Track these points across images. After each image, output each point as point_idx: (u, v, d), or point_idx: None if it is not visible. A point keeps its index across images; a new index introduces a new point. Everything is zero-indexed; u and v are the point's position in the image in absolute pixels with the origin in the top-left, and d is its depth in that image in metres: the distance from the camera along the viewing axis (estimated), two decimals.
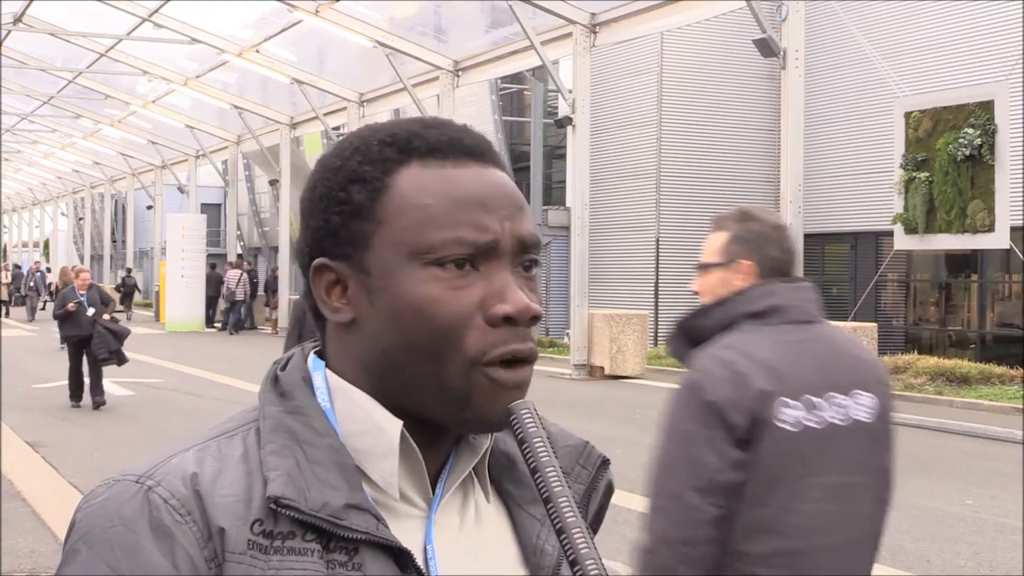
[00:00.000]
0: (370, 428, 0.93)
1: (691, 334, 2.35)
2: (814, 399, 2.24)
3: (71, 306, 13.03)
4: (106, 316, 13.15)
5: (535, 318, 0.93)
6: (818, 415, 2.24)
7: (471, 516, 0.98)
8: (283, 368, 0.98)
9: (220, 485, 0.89)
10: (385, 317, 0.92)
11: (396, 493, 0.93)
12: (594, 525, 1.05)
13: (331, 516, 0.88)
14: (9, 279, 37.18)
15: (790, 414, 2.19)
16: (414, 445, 0.94)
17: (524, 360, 0.93)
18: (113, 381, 15.59)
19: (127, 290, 35.96)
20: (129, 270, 38.79)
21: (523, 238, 0.94)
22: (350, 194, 0.94)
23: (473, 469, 0.98)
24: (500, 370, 0.91)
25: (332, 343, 0.98)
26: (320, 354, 0.99)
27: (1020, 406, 13.04)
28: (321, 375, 0.96)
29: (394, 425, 0.93)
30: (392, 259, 0.92)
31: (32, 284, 34.90)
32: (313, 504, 0.88)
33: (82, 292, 13.24)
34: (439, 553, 0.93)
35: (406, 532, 0.92)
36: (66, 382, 13.37)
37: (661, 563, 2.16)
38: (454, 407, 0.92)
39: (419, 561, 0.91)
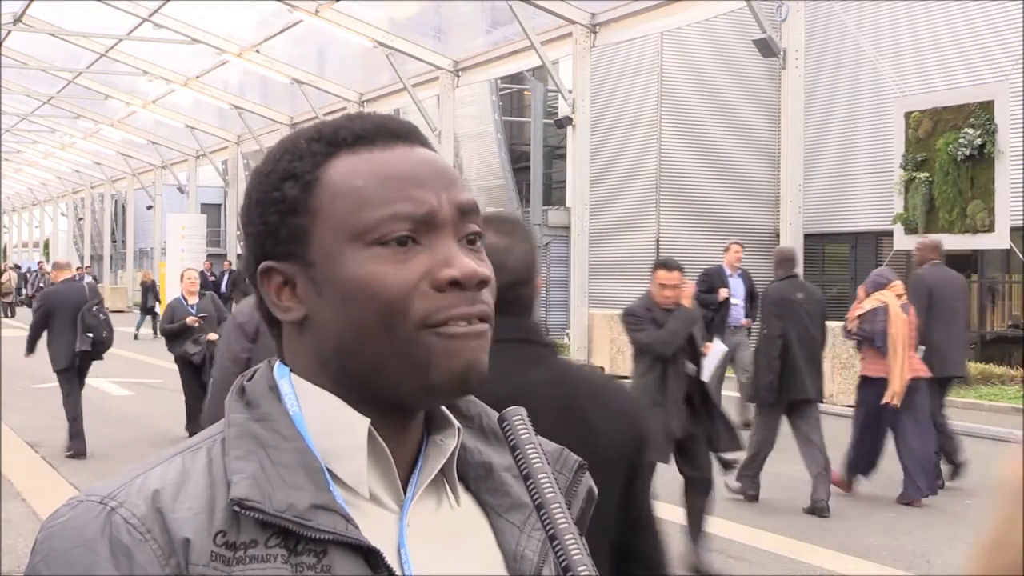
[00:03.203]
0: (338, 428, 0.94)
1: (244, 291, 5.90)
2: None
3: (191, 320, 10.37)
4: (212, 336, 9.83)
5: (483, 282, 0.93)
6: None
7: (447, 520, 0.97)
8: (250, 379, 0.98)
9: (182, 499, 0.88)
10: (335, 304, 0.93)
11: (366, 492, 0.93)
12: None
13: (297, 517, 0.87)
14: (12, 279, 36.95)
15: None
16: (383, 444, 0.94)
17: (476, 320, 0.93)
18: (113, 381, 15.59)
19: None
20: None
21: (461, 205, 0.95)
22: (284, 192, 0.95)
23: (443, 472, 0.98)
24: (451, 327, 0.92)
25: (288, 347, 0.98)
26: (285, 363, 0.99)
27: (1020, 406, 13.04)
28: (287, 381, 0.96)
29: (361, 423, 0.93)
30: (333, 245, 0.93)
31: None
32: (278, 505, 0.87)
33: (192, 301, 10.67)
34: (415, 555, 0.93)
35: (378, 533, 0.91)
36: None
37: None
38: (417, 375, 0.92)
39: (391, 562, 0.90)
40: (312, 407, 0.94)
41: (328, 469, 0.92)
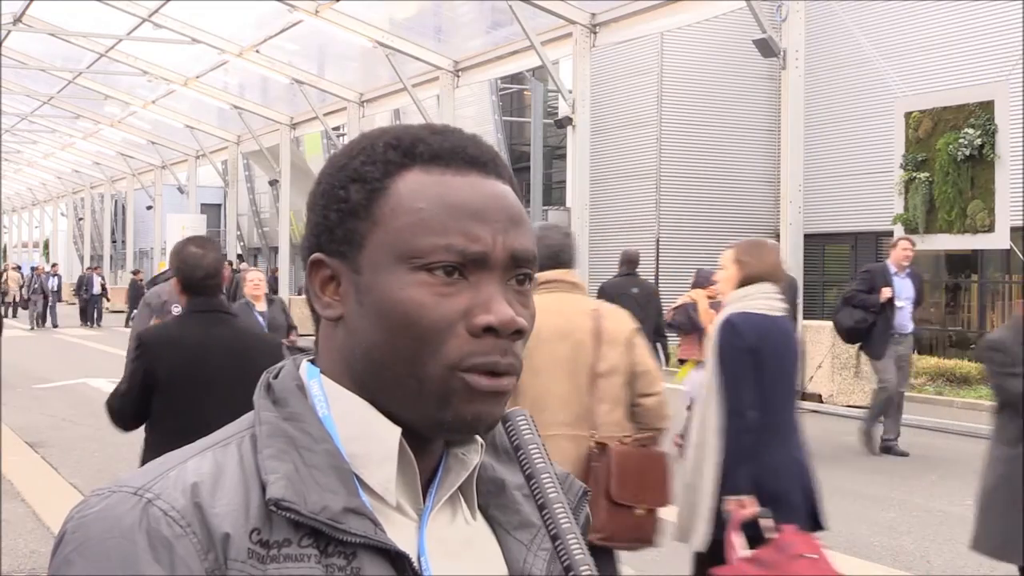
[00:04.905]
0: (368, 433, 0.94)
1: (154, 280, 8.14)
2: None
3: (289, 340, 8.73)
4: (289, 339, 8.76)
5: (519, 332, 0.92)
6: None
7: (461, 533, 0.98)
8: (275, 376, 0.98)
9: (219, 495, 0.88)
10: (370, 317, 0.93)
11: (393, 500, 0.93)
12: None
13: (330, 520, 0.88)
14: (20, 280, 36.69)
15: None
16: (410, 453, 0.94)
17: (503, 373, 0.92)
18: (112, 381, 15.58)
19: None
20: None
21: (516, 252, 0.93)
22: (349, 193, 0.95)
23: (460, 487, 0.98)
24: (477, 376, 0.91)
25: (323, 338, 0.98)
26: (313, 362, 0.99)
27: None
28: (317, 382, 0.96)
29: (392, 432, 0.93)
30: (382, 260, 0.92)
31: (37, 286, 31.98)
32: (312, 507, 0.88)
33: (260, 308, 8.66)
34: (433, 564, 0.94)
35: (399, 539, 0.91)
36: (66, 383, 13.31)
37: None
38: (431, 409, 0.92)
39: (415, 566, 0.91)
40: (342, 411, 0.94)
41: (355, 474, 0.92)
